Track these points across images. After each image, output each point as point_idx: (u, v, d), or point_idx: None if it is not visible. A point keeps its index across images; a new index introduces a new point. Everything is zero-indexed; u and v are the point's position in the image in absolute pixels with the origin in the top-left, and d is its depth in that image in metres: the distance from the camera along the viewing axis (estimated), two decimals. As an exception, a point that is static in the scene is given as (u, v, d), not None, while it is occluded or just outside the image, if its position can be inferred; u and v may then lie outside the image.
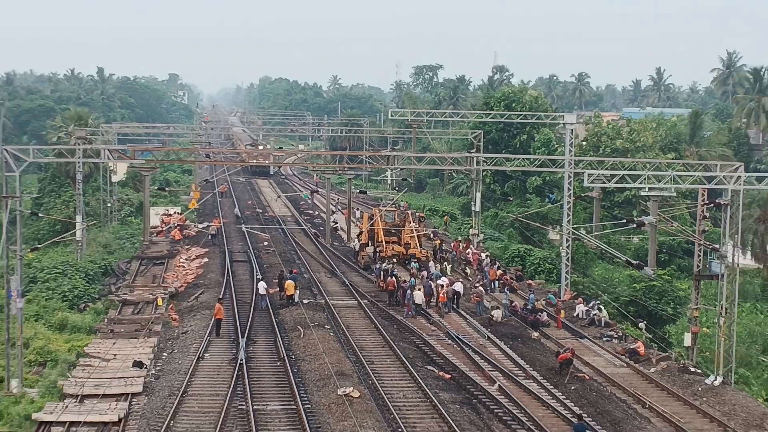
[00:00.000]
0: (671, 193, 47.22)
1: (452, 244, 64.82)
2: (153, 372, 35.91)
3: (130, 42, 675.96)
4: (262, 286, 47.21)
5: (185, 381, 33.73)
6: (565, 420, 31.30)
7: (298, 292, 46.79)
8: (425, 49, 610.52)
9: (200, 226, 73.52)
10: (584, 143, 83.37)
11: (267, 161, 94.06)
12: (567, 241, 51.14)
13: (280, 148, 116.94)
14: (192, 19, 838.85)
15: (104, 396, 33.15)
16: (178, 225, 71.30)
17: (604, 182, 43.26)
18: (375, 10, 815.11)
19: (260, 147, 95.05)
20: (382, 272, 51.94)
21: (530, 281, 56.01)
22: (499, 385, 34.46)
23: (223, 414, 30.63)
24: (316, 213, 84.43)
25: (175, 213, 76.19)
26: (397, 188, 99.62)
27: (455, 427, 29.38)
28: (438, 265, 56.06)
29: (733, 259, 38.03)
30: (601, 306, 47.58)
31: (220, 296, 47.04)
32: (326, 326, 42.18)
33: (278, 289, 47.81)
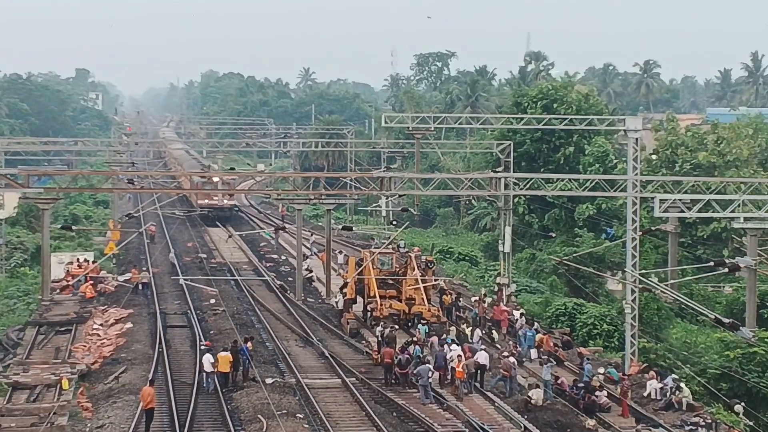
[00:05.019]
0: (776, 225, 47.39)
1: (473, 299, 64.95)
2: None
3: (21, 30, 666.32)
4: (207, 360, 47.06)
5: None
6: None
7: (239, 370, 47.46)
8: (430, 33, 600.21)
9: (121, 278, 73.63)
10: (654, 157, 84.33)
11: (216, 192, 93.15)
12: (633, 292, 51.31)
13: (232, 168, 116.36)
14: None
15: None
16: (90, 278, 71.26)
17: (682, 210, 43.13)
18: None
19: (215, 179, 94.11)
20: (378, 339, 52.10)
21: (582, 349, 55.89)
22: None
23: None
24: (283, 258, 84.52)
25: (86, 261, 75.94)
26: (395, 222, 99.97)
27: None
28: (454, 327, 56.04)
29: None
30: (681, 383, 47.49)
31: (150, 376, 46.65)
32: (298, 415, 42.07)
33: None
